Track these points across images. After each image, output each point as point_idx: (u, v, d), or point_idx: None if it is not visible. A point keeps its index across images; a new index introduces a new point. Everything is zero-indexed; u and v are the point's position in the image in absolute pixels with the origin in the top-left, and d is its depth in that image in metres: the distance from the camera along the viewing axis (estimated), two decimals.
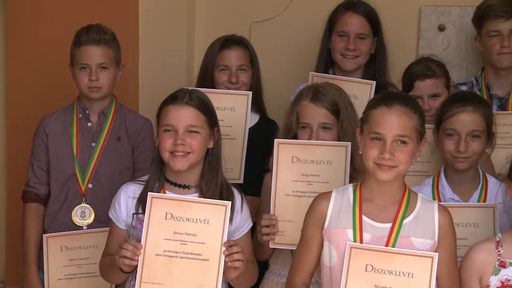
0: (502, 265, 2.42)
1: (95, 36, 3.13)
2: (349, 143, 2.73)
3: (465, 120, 2.82)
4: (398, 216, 2.42)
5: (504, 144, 3.07)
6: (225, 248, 2.43)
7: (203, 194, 2.59)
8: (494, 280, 2.41)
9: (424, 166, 3.05)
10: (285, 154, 2.74)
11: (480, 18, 3.44)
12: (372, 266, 2.34)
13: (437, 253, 2.33)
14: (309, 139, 2.80)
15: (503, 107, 3.41)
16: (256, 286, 2.85)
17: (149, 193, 2.48)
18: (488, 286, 2.42)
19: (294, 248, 2.63)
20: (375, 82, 3.16)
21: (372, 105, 2.44)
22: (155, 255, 2.43)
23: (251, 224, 2.70)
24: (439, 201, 2.83)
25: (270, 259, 2.90)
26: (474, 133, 2.82)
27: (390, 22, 3.75)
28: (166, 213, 2.45)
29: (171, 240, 2.44)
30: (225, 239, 2.44)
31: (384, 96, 2.44)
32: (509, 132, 3.18)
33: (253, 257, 2.70)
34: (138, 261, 2.42)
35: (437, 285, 2.42)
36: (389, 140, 2.37)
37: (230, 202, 2.47)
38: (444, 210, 2.45)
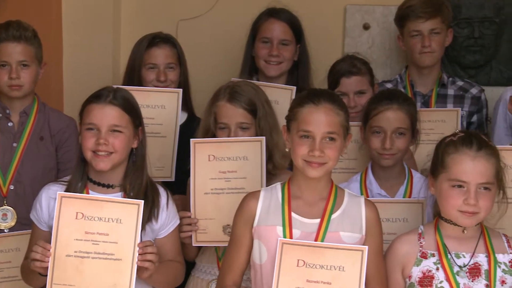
0: (424, 256, 2.47)
1: (15, 32, 3.06)
2: (263, 138, 2.76)
3: (391, 117, 2.87)
4: (326, 211, 2.45)
5: (429, 140, 3.13)
6: (139, 249, 2.41)
7: (127, 194, 2.57)
8: (416, 271, 2.46)
9: (351, 163, 3.09)
10: (201, 153, 2.75)
11: (402, 18, 3.50)
12: (304, 261, 2.35)
13: (366, 246, 2.37)
14: None
15: (426, 103, 3.49)
16: (183, 284, 2.85)
17: (58, 192, 2.45)
18: (410, 276, 2.47)
19: (217, 245, 2.66)
20: (295, 87, 3.20)
21: (299, 103, 2.46)
22: (66, 256, 2.39)
23: (178, 222, 2.69)
24: (367, 196, 2.88)
25: (197, 257, 2.90)
26: (399, 130, 2.87)
27: (317, 21, 3.81)
28: (77, 213, 2.42)
29: (82, 240, 2.41)
30: (138, 238, 2.42)
31: (311, 94, 2.46)
32: (433, 128, 3.25)
33: (180, 256, 2.69)
34: (48, 262, 2.38)
35: (366, 277, 2.43)
36: (319, 137, 2.39)
37: (142, 201, 2.45)
38: (370, 204, 2.49)
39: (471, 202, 2.38)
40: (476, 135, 2.47)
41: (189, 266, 2.85)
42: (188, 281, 2.91)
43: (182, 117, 3.27)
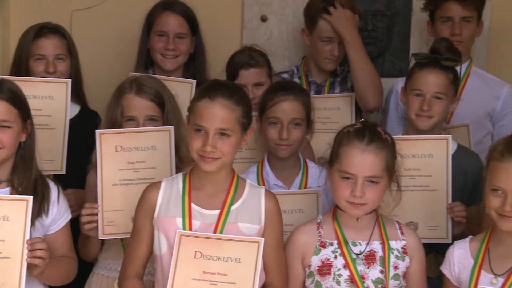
0: (323, 245, 2.51)
1: None
2: (172, 127, 2.75)
3: (287, 108, 2.89)
4: (226, 203, 2.45)
5: (325, 129, 3.18)
6: (28, 245, 2.35)
7: (15, 189, 2.49)
8: (315, 260, 2.50)
9: (249, 153, 3.09)
10: (108, 144, 2.70)
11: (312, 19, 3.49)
12: (201, 253, 2.35)
13: (263, 238, 2.38)
14: None
15: (319, 92, 3.51)
16: (82, 281, 2.80)
17: None
18: (309, 265, 2.51)
19: (126, 236, 2.62)
20: (195, 81, 3.19)
21: (197, 96, 2.46)
22: None
23: (70, 217, 2.64)
24: None
25: (99, 253, 2.84)
26: (296, 121, 2.90)
27: (214, 13, 3.79)
28: None
29: None
30: (27, 235, 2.36)
31: (209, 88, 2.45)
32: (329, 116, 3.30)
33: (72, 252, 2.65)
34: None
35: (265, 268, 2.47)
36: (211, 133, 2.38)
37: (31, 197, 2.39)
38: (270, 195, 2.51)
39: (357, 194, 2.43)
40: (372, 127, 2.51)
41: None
42: (89, 280, 2.85)
43: (75, 109, 3.22)
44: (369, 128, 2.50)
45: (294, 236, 2.55)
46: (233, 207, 2.45)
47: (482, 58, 3.77)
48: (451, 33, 3.38)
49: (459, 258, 2.46)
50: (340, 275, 2.47)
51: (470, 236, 2.51)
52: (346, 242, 2.49)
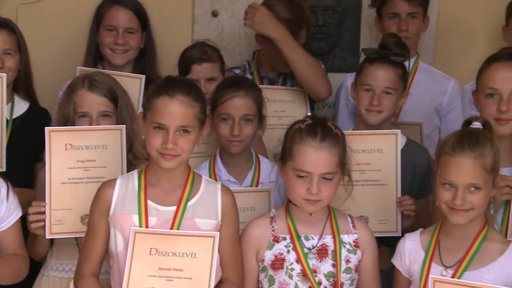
0: (276, 240, 2.52)
1: None
2: (123, 126, 2.73)
3: (238, 105, 2.89)
4: (182, 199, 2.45)
5: (281, 125, 3.16)
6: None
7: None
8: (268, 254, 2.50)
9: (202, 147, 3.08)
10: (57, 142, 2.66)
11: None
12: (157, 249, 2.35)
13: (218, 233, 2.38)
14: None
15: None
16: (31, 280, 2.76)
17: None
18: (263, 260, 2.51)
19: (74, 236, 2.61)
20: (144, 76, 3.17)
21: (154, 92, 2.43)
22: None
23: (20, 214, 2.60)
24: None
25: (49, 254, 2.80)
26: (247, 117, 2.90)
27: (165, 7, 3.76)
28: None
29: None
30: None
31: (167, 84, 2.43)
32: (285, 110, 3.30)
33: (23, 250, 2.61)
34: None
35: (222, 264, 2.47)
36: (172, 130, 2.37)
37: None
38: (226, 190, 2.51)
39: (314, 191, 2.44)
40: (323, 123, 2.53)
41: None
42: (38, 283, 2.80)
43: (24, 106, 3.16)
44: (320, 124, 2.51)
45: (248, 230, 2.56)
46: (189, 203, 2.45)
47: (429, 53, 3.83)
48: (397, 29, 3.43)
49: (410, 250, 2.49)
50: (292, 269, 2.48)
51: (421, 229, 2.54)
52: (299, 237, 2.50)
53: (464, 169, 2.36)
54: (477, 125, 2.46)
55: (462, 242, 2.43)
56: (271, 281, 2.49)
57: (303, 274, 2.47)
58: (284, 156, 2.53)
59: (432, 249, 2.46)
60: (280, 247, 2.51)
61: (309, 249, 2.49)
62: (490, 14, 3.84)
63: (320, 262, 2.49)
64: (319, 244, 2.50)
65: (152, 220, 2.42)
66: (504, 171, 2.57)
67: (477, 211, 2.38)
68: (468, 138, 2.39)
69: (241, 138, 2.88)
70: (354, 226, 2.57)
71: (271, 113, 3.17)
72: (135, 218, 2.42)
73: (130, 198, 2.44)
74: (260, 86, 3.11)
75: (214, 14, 3.89)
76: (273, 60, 3.43)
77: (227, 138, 2.89)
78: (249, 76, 3.50)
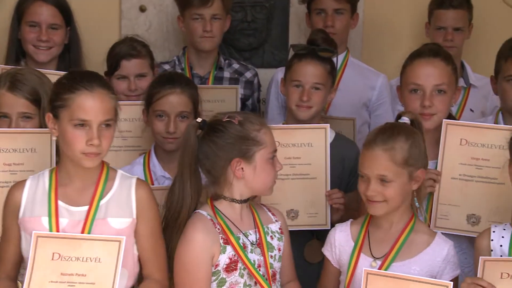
0: (226, 242, 2.43)
1: None
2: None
3: (174, 101, 2.86)
4: (95, 197, 2.36)
5: None
6: None
7: None
8: (223, 258, 2.42)
9: (136, 141, 3.06)
10: None
11: (185, 1, 3.49)
12: (59, 254, 2.28)
13: (123, 237, 2.30)
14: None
15: None
16: None
17: None
18: (217, 265, 2.42)
19: None
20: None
21: (66, 88, 2.33)
22: None
23: None
24: (151, 179, 2.87)
25: None
26: (183, 114, 2.88)
27: (90, 2, 3.69)
28: None
29: None
30: None
31: (79, 78, 2.35)
32: (213, 109, 3.28)
33: None
34: None
35: (142, 261, 2.41)
36: (95, 125, 2.30)
37: None
38: (142, 184, 2.42)
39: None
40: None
41: None
42: None
43: None
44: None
45: (196, 239, 2.40)
46: (102, 202, 2.37)
47: (356, 49, 3.88)
48: (324, 25, 3.47)
49: (340, 240, 2.52)
50: (244, 268, 2.43)
51: (351, 220, 2.58)
52: (233, 234, 2.43)
53: (373, 161, 2.41)
54: (405, 120, 2.51)
55: (390, 234, 2.47)
56: (221, 283, 2.41)
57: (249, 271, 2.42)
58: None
59: (361, 240, 2.49)
60: (233, 250, 2.42)
61: (252, 244, 2.46)
62: (414, 11, 3.94)
63: (262, 256, 2.46)
64: (257, 238, 2.47)
65: (63, 222, 2.34)
66: (429, 164, 2.64)
67: (391, 203, 2.42)
68: (383, 131, 2.45)
69: (177, 135, 2.84)
70: (273, 214, 2.57)
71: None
72: (45, 220, 2.33)
73: (40, 200, 2.35)
74: None
75: (142, 9, 3.86)
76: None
77: (162, 135, 2.87)
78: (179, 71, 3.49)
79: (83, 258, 2.27)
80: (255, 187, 2.46)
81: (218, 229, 2.42)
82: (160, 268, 2.44)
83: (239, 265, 2.42)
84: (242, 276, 2.43)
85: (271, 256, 2.48)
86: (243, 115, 2.47)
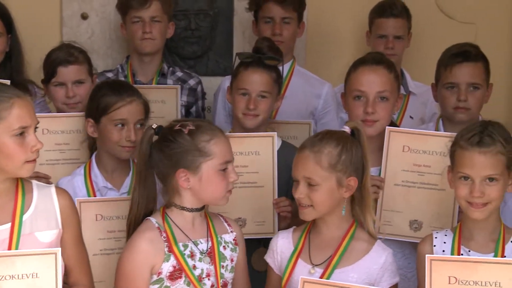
0: (171, 250, 2.41)
1: None
2: None
3: (134, 110, 2.84)
4: (16, 213, 2.28)
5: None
6: None
7: None
8: (166, 266, 2.39)
9: (75, 153, 3.01)
10: None
11: (123, 6, 3.50)
12: None
13: (59, 249, 2.24)
14: None
15: None
16: None
17: None
18: (159, 272, 2.39)
19: None
20: (9, 81, 3.01)
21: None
22: None
23: None
24: (93, 189, 2.84)
25: None
26: (141, 122, 2.87)
27: (32, 9, 3.63)
28: None
29: None
30: None
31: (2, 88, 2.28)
32: (154, 111, 3.18)
33: None
34: None
35: (68, 268, 2.37)
36: (32, 130, 2.25)
37: None
38: (62, 193, 2.38)
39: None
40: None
41: None
42: None
43: None
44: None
45: (137, 247, 2.37)
46: (25, 217, 2.29)
47: (301, 58, 3.91)
48: (272, 33, 3.50)
49: (282, 247, 2.53)
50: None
51: (294, 227, 2.59)
52: (176, 243, 2.41)
53: (301, 163, 2.44)
54: (345, 128, 2.53)
55: (331, 240, 2.48)
56: None
57: (192, 280, 2.40)
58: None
59: (300, 246, 2.50)
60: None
61: (201, 253, 2.44)
62: (355, 20, 4.00)
63: (212, 265, 2.44)
64: (208, 247, 2.46)
65: None
66: (371, 171, 2.68)
67: (318, 208, 2.44)
68: (316, 135, 2.49)
69: (135, 144, 2.81)
70: (229, 225, 2.56)
71: None
72: None
73: None
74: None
75: (84, 16, 3.82)
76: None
77: (120, 143, 2.83)
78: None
79: (18, 275, 2.18)
80: (204, 197, 2.45)
81: (164, 237, 2.40)
82: (86, 273, 2.42)
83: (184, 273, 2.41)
84: (188, 284, 2.41)
85: (223, 266, 2.47)
86: (197, 124, 2.45)
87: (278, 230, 2.83)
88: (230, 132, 3.01)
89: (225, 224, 2.55)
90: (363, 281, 2.42)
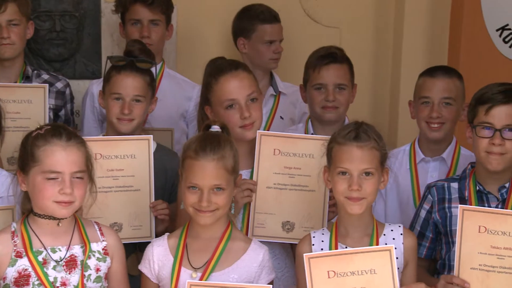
0: (19, 255, 2.41)
1: None
2: None
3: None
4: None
5: (16, 127, 3.02)
6: None
7: None
8: (11, 271, 2.39)
9: None
10: None
11: None
12: None
13: None
14: None
15: None
16: None
17: None
18: (4, 278, 2.38)
19: None
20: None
21: None
22: None
23: None
24: None
25: None
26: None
27: None
28: None
29: None
30: None
31: None
32: (20, 112, 3.12)
33: None
34: None
35: None
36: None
37: None
38: None
39: (67, 191, 2.38)
40: (63, 126, 2.49)
41: None
42: None
43: None
44: (61, 127, 2.47)
45: None
46: None
47: (171, 60, 3.92)
48: (140, 35, 3.48)
49: (159, 255, 2.53)
50: (40, 284, 2.39)
51: (168, 233, 2.59)
52: (33, 250, 2.40)
53: (208, 172, 2.45)
54: (216, 128, 2.57)
55: (208, 243, 2.52)
56: None
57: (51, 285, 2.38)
58: (27, 164, 2.42)
59: (180, 253, 2.51)
60: (24, 263, 2.40)
61: (57, 261, 2.41)
62: (222, 22, 4.04)
63: (69, 274, 2.42)
64: (68, 255, 2.44)
65: None
66: (243, 173, 2.73)
67: (222, 211, 2.49)
68: (210, 141, 2.49)
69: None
70: (102, 234, 2.54)
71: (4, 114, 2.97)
72: None
73: None
74: None
75: None
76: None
77: None
78: None
79: None
80: (38, 204, 2.44)
81: (15, 241, 2.40)
82: None
83: (32, 280, 2.39)
84: None
85: (85, 276, 2.45)
86: (50, 128, 2.45)
87: (156, 234, 2.83)
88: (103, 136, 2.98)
89: (98, 232, 2.53)
90: (244, 280, 2.47)
